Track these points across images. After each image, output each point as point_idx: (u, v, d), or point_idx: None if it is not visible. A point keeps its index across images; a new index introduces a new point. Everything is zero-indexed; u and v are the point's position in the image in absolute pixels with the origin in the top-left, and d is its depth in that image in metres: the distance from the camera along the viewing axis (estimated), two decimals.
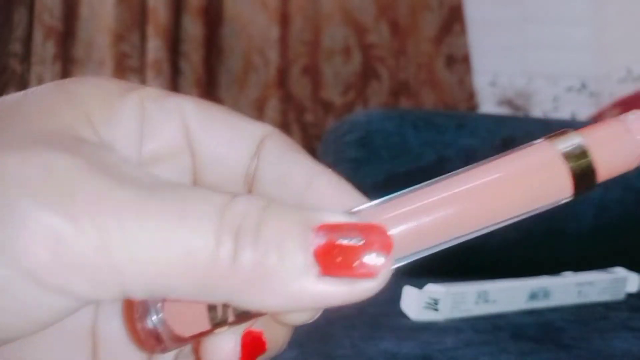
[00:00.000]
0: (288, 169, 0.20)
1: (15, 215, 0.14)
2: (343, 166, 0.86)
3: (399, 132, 0.89)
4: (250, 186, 0.21)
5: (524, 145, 0.20)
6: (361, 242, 0.16)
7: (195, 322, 0.17)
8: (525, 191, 0.19)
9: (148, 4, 1.44)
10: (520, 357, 0.43)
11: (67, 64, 1.43)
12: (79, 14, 1.44)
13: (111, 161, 0.16)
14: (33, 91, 0.18)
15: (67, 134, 0.17)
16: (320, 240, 0.16)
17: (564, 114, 1.67)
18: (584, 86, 1.70)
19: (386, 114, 0.98)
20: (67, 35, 1.42)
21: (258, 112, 1.48)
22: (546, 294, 0.56)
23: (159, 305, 0.17)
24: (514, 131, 1.06)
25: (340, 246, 0.16)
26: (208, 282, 0.15)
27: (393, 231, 0.17)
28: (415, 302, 0.51)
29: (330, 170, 0.20)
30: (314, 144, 1.43)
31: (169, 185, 0.16)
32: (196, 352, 0.19)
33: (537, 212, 0.19)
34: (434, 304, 0.51)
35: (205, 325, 0.17)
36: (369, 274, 0.16)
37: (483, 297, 0.52)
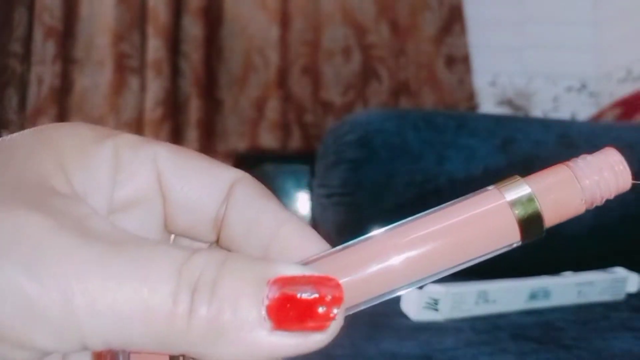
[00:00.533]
0: (256, 215, 0.21)
1: None
2: (343, 166, 0.86)
3: (399, 132, 0.89)
4: (219, 231, 0.21)
5: (476, 192, 0.20)
6: (313, 296, 0.16)
7: None
8: (475, 237, 0.19)
9: (148, 4, 1.44)
10: (520, 357, 0.43)
11: (67, 64, 1.43)
12: (79, 14, 1.44)
13: (80, 215, 0.17)
14: (11, 138, 0.19)
15: (40, 186, 0.17)
16: (274, 294, 0.16)
17: (564, 113, 1.67)
18: (584, 86, 1.70)
19: (386, 114, 0.98)
20: (67, 35, 1.43)
21: (258, 112, 1.48)
22: (546, 294, 0.56)
23: (125, 355, 0.18)
24: (514, 131, 1.06)
25: (293, 301, 0.16)
26: (166, 336, 0.16)
27: (345, 280, 0.18)
28: (415, 302, 0.51)
29: (297, 217, 0.21)
30: (313, 144, 1.43)
31: (132, 241, 0.17)
32: None
33: (489, 256, 0.20)
34: (434, 304, 0.51)
35: None
36: (320, 326, 0.17)
37: (483, 297, 0.52)
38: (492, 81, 1.67)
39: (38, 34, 1.40)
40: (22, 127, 1.40)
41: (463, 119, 1.04)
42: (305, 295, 0.16)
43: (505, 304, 0.53)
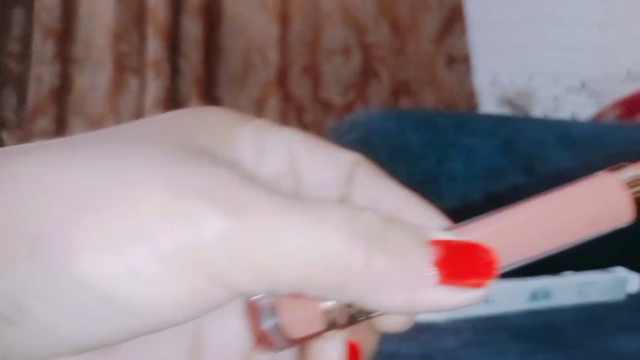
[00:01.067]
0: (378, 194, 0.22)
1: (190, 216, 0.16)
2: None
3: (399, 132, 0.89)
4: None
5: (587, 176, 0.22)
6: (470, 257, 0.18)
7: (308, 324, 0.19)
8: (593, 216, 0.22)
9: (148, 3, 1.44)
10: (521, 357, 0.43)
11: (66, 64, 1.43)
12: (78, 14, 1.44)
13: (251, 174, 0.18)
14: (170, 114, 0.20)
15: (209, 152, 0.19)
16: (436, 252, 0.18)
17: (564, 113, 1.67)
18: (584, 86, 1.70)
19: (386, 114, 0.98)
20: (66, 35, 1.42)
21: (258, 112, 1.48)
22: (546, 294, 0.56)
23: (275, 307, 0.19)
24: (514, 131, 1.06)
25: (456, 258, 0.18)
26: (342, 282, 0.17)
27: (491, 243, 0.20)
28: None
29: (416, 195, 0.22)
30: None
31: (301, 197, 0.18)
32: (302, 357, 0.21)
33: (597, 235, 0.22)
34: None
35: (318, 327, 0.19)
36: (479, 284, 0.18)
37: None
38: (493, 81, 1.67)
39: (37, 34, 1.40)
40: (21, 128, 1.40)
41: (463, 119, 1.04)
42: (466, 256, 0.18)
43: (505, 304, 0.53)
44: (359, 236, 0.17)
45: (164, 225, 0.16)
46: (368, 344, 0.21)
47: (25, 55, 1.40)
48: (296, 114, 1.51)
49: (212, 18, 1.49)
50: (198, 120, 0.20)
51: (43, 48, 1.40)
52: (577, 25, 1.69)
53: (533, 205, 0.21)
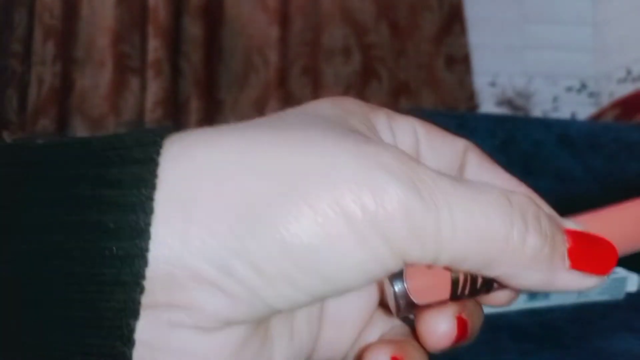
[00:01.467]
0: (491, 179, 0.23)
1: (379, 188, 0.17)
2: None
3: None
4: None
5: None
6: (597, 247, 0.20)
7: (434, 291, 0.20)
8: None
9: (148, 4, 1.44)
10: (521, 357, 0.43)
11: (67, 64, 1.43)
12: (79, 14, 1.44)
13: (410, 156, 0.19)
14: (313, 105, 0.21)
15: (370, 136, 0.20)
16: (570, 240, 0.20)
17: (563, 113, 1.67)
18: (583, 86, 1.70)
19: None
20: (67, 35, 1.43)
21: (258, 112, 1.48)
22: (546, 293, 0.56)
23: (405, 274, 0.20)
24: (514, 131, 1.06)
25: (585, 249, 0.20)
26: (498, 257, 0.19)
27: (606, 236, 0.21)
28: None
29: (523, 183, 0.23)
30: None
31: (458, 177, 0.20)
32: (414, 332, 0.22)
33: None
34: None
35: (443, 296, 0.20)
36: (603, 272, 0.20)
37: None
38: (492, 81, 1.67)
39: (38, 34, 1.40)
40: (22, 128, 1.40)
41: (463, 119, 1.05)
42: (593, 246, 0.20)
43: None
44: (517, 216, 0.19)
45: (360, 199, 0.17)
46: (475, 321, 0.22)
47: (26, 56, 1.40)
48: None
49: (212, 19, 1.49)
50: (342, 109, 0.21)
51: (44, 48, 1.40)
52: (577, 26, 1.69)
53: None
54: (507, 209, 0.19)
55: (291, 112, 0.20)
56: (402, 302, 0.20)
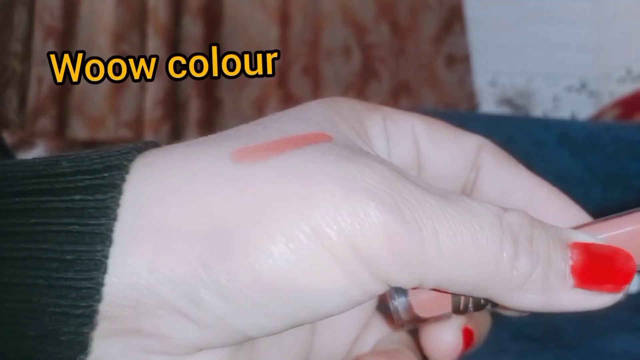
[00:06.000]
0: (508, 181, 0.22)
1: (360, 213, 0.17)
2: None
3: None
4: (468, 195, 0.22)
5: None
6: (610, 262, 0.18)
7: (436, 306, 0.20)
8: None
9: (148, 3, 1.44)
10: (521, 357, 0.43)
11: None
12: (79, 14, 1.44)
13: (404, 172, 0.18)
14: (306, 107, 0.20)
15: (358, 146, 0.19)
16: (575, 257, 0.18)
17: (563, 113, 1.67)
18: (583, 86, 1.70)
19: None
20: (67, 35, 1.43)
21: (258, 112, 1.48)
22: None
23: (405, 290, 0.19)
24: (514, 131, 1.06)
25: (594, 264, 0.18)
26: (488, 280, 0.18)
27: (624, 246, 0.19)
28: None
29: (548, 183, 0.22)
30: None
31: (452, 195, 0.18)
32: (415, 340, 0.22)
33: None
34: None
35: (445, 310, 0.20)
36: (616, 289, 0.19)
37: None
38: (492, 81, 1.67)
39: (38, 34, 1.40)
40: (22, 127, 1.40)
41: (463, 119, 1.04)
42: (605, 261, 0.18)
43: None
44: (507, 238, 0.18)
45: (338, 224, 0.17)
46: (481, 330, 0.21)
47: (26, 55, 1.40)
48: None
49: (212, 18, 1.49)
50: (334, 113, 0.20)
51: (44, 48, 1.40)
52: (577, 25, 1.69)
53: None
54: (498, 231, 0.18)
55: (280, 118, 0.20)
56: (404, 315, 0.20)
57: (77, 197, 0.16)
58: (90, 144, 1.48)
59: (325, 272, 0.17)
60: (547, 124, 1.18)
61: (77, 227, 0.16)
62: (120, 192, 0.16)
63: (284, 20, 1.51)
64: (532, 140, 1.04)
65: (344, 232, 0.17)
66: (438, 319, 0.20)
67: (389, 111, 0.22)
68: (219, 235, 0.16)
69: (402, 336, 0.22)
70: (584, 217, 0.22)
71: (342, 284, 0.17)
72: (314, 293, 0.17)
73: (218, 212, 0.17)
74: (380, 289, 0.18)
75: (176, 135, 1.44)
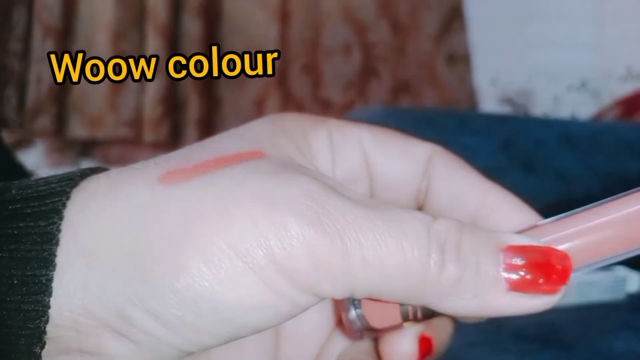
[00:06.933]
0: (460, 187, 0.22)
1: (280, 229, 0.17)
2: None
3: (399, 131, 0.89)
4: (421, 204, 0.23)
5: None
6: (544, 263, 0.18)
7: (387, 317, 0.20)
8: None
9: (147, 2, 1.44)
10: (521, 357, 0.43)
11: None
12: (78, 12, 1.44)
13: (333, 184, 0.19)
14: (251, 125, 0.21)
15: (293, 161, 0.20)
16: (508, 260, 0.18)
17: (564, 112, 1.67)
18: (584, 85, 1.69)
19: (386, 112, 0.98)
20: (66, 34, 1.42)
21: (258, 111, 1.48)
22: None
23: (358, 301, 0.20)
24: (514, 130, 1.06)
25: (527, 266, 0.18)
26: (417, 288, 0.18)
27: (565, 246, 0.19)
28: None
29: (500, 187, 0.22)
30: None
31: (381, 204, 0.19)
32: (376, 349, 0.22)
33: None
34: None
35: (396, 320, 0.20)
36: (552, 290, 0.18)
37: None
38: (493, 80, 1.66)
39: (37, 33, 1.40)
40: (21, 127, 1.40)
41: (464, 118, 1.04)
42: (540, 262, 0.18)
43: None
44: (434, 246, 0.18)
45: (257, 240, 0.17)
46: (441, 337, 0.21)
47: (25, 54, 1.40)
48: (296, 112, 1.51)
49: (212, 17, 1.49)
50: (277, 129, 0.21)
51: (43, 47, 1.39)
52: (577, 24, 1.69)
53: (611, 207, 0.20)
54: (424, 239, 0.18)
55: (220, 137, 0.20)
56: (358, 326, 0.20)
57: (22, 224, 0.17)
58: (89, 143, 1.48)
59: (247, 287, 0.17)
60: (547, 123, 1.18)
61: (21, 253, 0.17)
62: (61, 218, 0.17)
63: (284, 19, 1.51)
64: (532, 140, 1.03)
65: (262, 247, 0.17)
66: (392, 328, 0.20)
67: (336, 124, 0.22)
68: (139, 257, 0.17)
69: (366, 346, 0.22)
70: (535, 219, 0.22)
71: (266, 298, 0.17)
72: (239, 309, 0.17)
73: (137, 234, 0.17)
74: (312, 300, 0.18)
75: (176, 134, 1.44)
